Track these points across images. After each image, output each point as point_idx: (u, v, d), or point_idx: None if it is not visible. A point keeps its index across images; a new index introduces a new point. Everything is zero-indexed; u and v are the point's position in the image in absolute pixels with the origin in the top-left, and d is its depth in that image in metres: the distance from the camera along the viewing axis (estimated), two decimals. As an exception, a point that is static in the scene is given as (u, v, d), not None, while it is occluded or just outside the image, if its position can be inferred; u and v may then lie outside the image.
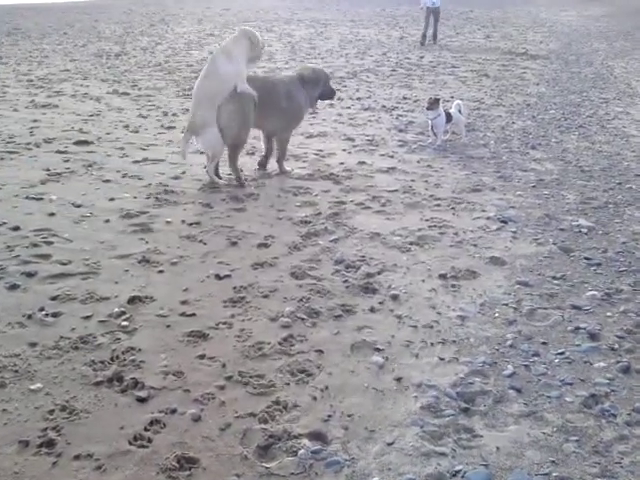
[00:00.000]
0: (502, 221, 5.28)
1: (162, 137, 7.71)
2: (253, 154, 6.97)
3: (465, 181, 6.33)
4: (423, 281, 4.22)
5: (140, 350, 3.33)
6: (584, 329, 3.66)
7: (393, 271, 4.35)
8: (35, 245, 4.53)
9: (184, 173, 6.29)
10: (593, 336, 3.60)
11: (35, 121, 8.25)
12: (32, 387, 3.00)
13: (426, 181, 6.30)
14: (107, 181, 5.98)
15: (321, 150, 7.18)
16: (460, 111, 7.93)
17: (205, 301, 3.87)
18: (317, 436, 2.78)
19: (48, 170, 6.19)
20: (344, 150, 7.38)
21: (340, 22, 24.77)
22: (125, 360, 3.24)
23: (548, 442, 2.80)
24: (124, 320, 3.59)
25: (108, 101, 9.73)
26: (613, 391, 3.14)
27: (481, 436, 2.82)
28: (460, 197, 5.85)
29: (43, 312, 3.64)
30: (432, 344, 3.49)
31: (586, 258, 4.61)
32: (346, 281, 4.17)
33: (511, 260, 4.57)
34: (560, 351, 3.44)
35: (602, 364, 3.34)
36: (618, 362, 3.36)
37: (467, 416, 2.94)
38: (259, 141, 6.67)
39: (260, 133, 6.52)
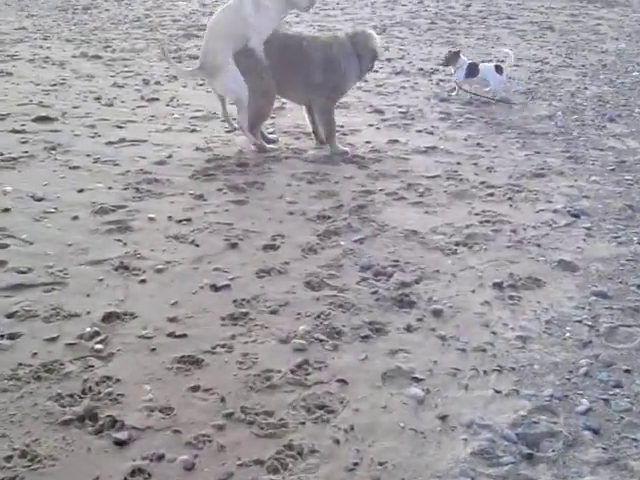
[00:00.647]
0: (573, 215, 5.26)
1: (142, 112, 7.76)
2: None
3: (525, 164, 6.30)
4: (473, 292, 4.21)
5: (118, 380, 3.34)
6: (679, 352, 3.64)
7: (435, 279, 4.34)
8: (-14, 249, 4.57)
9: (170, 157, 6.33)
10: (691, 361, 3.57)
11: (-16, 93, 8.34)
12: (-16, 427, 3.04)
13: (475, 164, 6.28)
14: (75, 167, 6.02)
15: (342, 126, 7.18)
16: (500, 68, 8.20)
17: (199, 318, 3.88)
18: (341, 489, 2.79)
19: (1, 154, 6.24)
20: (371, 125, 7.39)
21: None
22: (100, 393, 3.25)
23: (634, 497, 2.79)
24: (98, 342, 3.60)
25: (75, 67, 9.80)
26: None
27: (549, 489, 2.81)
28: (519, 184, 5.83)
29: (-3, 333, 3.67)
30: (485, 372, 3.48)
31: (681, 261, 4.59)
32: (375, 292, 4.17)
33: (585, 265, 4.54)
34: (649, 381, 3.43)
35: (703, 397, 3.32)
36: None
37: (530, 464, 2.93)
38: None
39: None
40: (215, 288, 4.18)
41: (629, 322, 3.91)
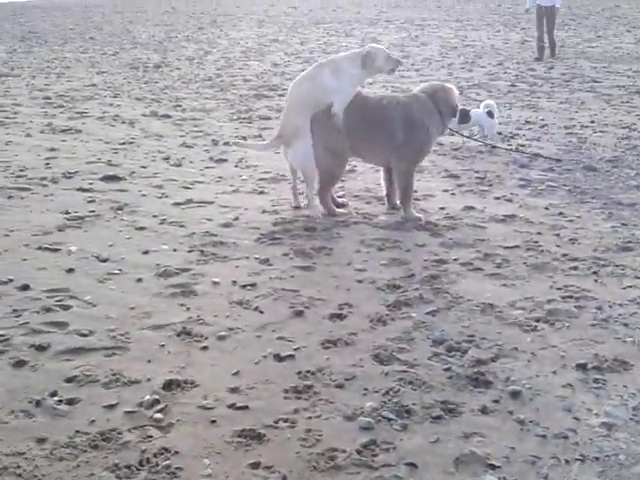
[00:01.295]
0: (663, 292, 5.13)
1: (210, 173, 7.97)
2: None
3: (611, 236, 6.20)
4: (554, 373, 4.12)
5: (177, 453, 3.36)
6: None
7: (513, 357, 4.27)
8: (48, 310, 4.70)
9: (237, 219, 6.46)
10: None
11: (52, 150, 8.71)
12: (39, 496, 3.09)
13: (557, 235, 6.22)
14: (141, 228, 6.20)
15: (415, 191, 7.20)
16: (491, 113, 8.81)
17: (261, 389, 3.89)
18: None
19: (67, 213, 6.49)
20: (446, 191, 7.41)
21: (442, 23, 25.16)
22: (157, 465, 3.28)
23: None
24: (157, 412, 3.65)
25: (144, 125, 10.18)
26: None
27: None
28: (605, 258, 5.74)
29: (55, 398, 3.74)
30: (567, 462, 3.38)
31: None
32: (448, 369, 4.12)
33: (677, 347, 4.41)
34: None
35: None
36: None
37: None
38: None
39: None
40: (279, 358, 4.20)
41: None
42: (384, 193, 6.87)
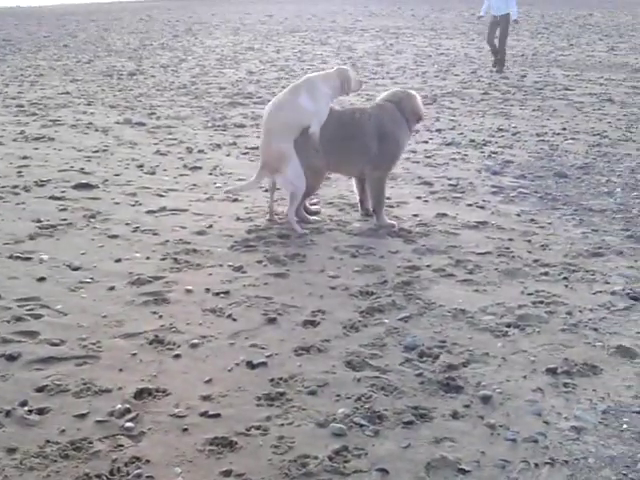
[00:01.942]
0: (633, 297, 5.18)
1: (184, 180, 7.95)
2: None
3: (582, 242, 6.26)
4: (525, 377, 4.15)
5: (148, 462, 3.35)
6: None
7: (484, 362, 4.30)
8: (19, 319, 4.66)
9: (211, 227, 6.44)
10: None
11: (24, 158, 8.64)
12: (8, 506, 3.07)
13: (529, 241, 6.27)
14: (113, 237, 6.17)
15: (389, 198, 7.24)
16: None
17: (233, 397, 3.89)
18: None
19: (39, 221, 6.44)
20: (419, 198, 7.44)
21: (416, 31, 25.31)
22: (128, 474, 3.26)
23: None
24: (129, 420, 3.64)
25: (118, 133, 10.13)
26: None
27: None
28: (575, 264, 5.79)
29: (26, 407, 3.72)
30: (537, 465, 3.41)
31: None
32: (420, 374, 4.14)
33: (645, 351, 4.46)
34: None
35: None
36: None
37: None
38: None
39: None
40: (251, 365, 4.20)
41: (694, 415, 3.82)
42: (357, 200, 6.90)
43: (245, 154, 9.11)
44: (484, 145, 9.76)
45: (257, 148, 9.05)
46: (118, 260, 5.67)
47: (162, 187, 7.63)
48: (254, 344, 4.45)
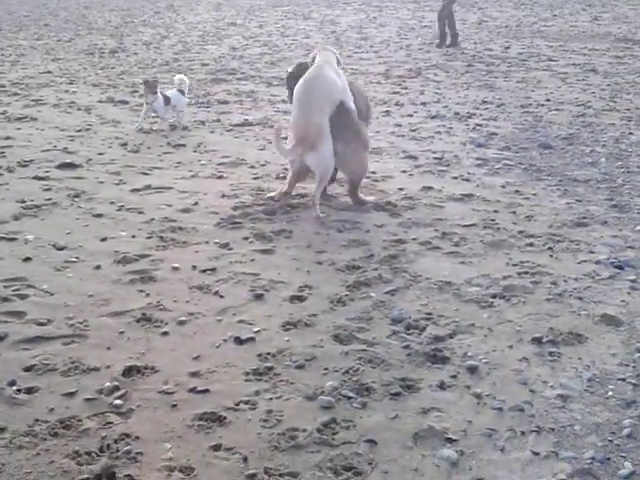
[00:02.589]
0: (617, 266, 5.22)
1: (168, 158, 7.92)
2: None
3: (566, 212, 6.29)
4: (511, 347, 4.18)
5: (137, 438, 3.37)
6: None
7: (470, 333, 4.33)
8: (5, 299, 4.65)
9: (196, 204, 6.43)
10: None
11: (7, 139, 8.57)
12: (-1, 485, 3.08)
13: (514, 212, 6.29)
14: (98, 215, 6.15)
15: (374, 172, 7.25)
16: (183, 91, 9.14)
17: (221, 373, 3.91)
18: None
19: (23, 202, 6.41)
20: (404, 172, 7.44)
21: (399, 4, 25.16)
22: (118, 451, 3.27)
23: None
24: (117, 398, 3.64)
25: (101, 112, 10.06)
26: None
27: None
28: (560, 234, 5.82)
29: (14, 387, 3.72)
30: (523, 433, 3.44)
31: None
32: (407, 347, 4.17)
33: (629, 319, 4.50)
34: (699, 444, 3.37)
35: None
36: None
37: (571, 533, 2.88)
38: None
39: None
40: (239, 341, 4.21)
41: (677, 381, 3.87)
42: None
43: (229, 131, 9.07)
44: (469, 118, 9.75)
45: (242, 125, 9.10)
46: (104, 239, 5.65)
47: (146, 165, 7.60)
48: (242, 320, 4.46)
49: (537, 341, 4.23)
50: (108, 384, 3.75)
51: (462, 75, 12.78)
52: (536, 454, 3.29)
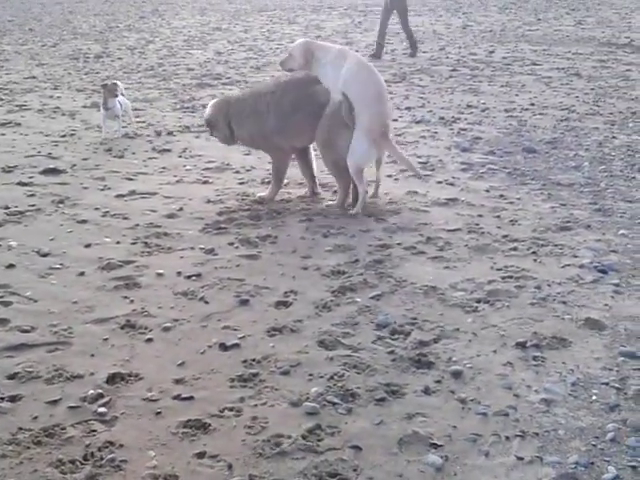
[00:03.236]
0: (600, 270, 5.24)
1: (153, 163, 7.90)
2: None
3: (550, 216, 6.31)
4: (495, 352, 4.19)
5: (122, 446, 3.36)
6: None
7: (454, 338, 4.34)
8: (-12, 306, 4.64)
9: (181, 210, 6.42)
10: None
11: (-9, 144, 8.53)
12: (-18, 495, 3.06)
13: (498, 216, 6.31)
14: (82, 222, 6.13)
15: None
16: (122, 93, 9.10)
17: (206, 379, 3.90)
18: None
19: (7, 208, 6.38)
20: (389, 176, 7.44)
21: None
22: (102, 459, 3.26)
23: None
24: (101, 406, 3.64)
25: (85, 117, 10.03)
26: None
27: None
28: (544, 238, 5.84)
29: (-3, 395, 3.71)
30: (507, 438, 3.45)
31: None
32: (392, 352, 4.17)
33: (613, 323, 4.51)
34: (682, 448, 3.38)
35: None
36: None
37: (555, 537, 2.89)
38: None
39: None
40: (224, 347, 4.21)
41: (660, 384, 3.89)
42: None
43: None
44: (453, 122, 9.77)
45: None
46: (88, 245, 5.63)
47: (131, 171, 7.58)
48: (227, 326, 4.46)
49: (521, 345, 4.24)
50: (92, 392, 3.74)
51: (446, 80, 12.81)
52: (520, 459, 3.30)
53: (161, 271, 5.19)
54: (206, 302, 4.78)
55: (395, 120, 9.79)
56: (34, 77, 13.19)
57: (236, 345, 4.23)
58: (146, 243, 5.69)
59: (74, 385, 3.81)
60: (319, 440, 3.42)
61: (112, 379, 3.87)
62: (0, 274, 5.10)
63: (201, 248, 5.62)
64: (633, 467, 3.26)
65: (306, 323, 4.51)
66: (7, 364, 3.99)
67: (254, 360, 4.08)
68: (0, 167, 7.56)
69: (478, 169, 7.67)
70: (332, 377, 3.91)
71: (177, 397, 3.72)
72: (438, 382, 3.89)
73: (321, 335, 4.35)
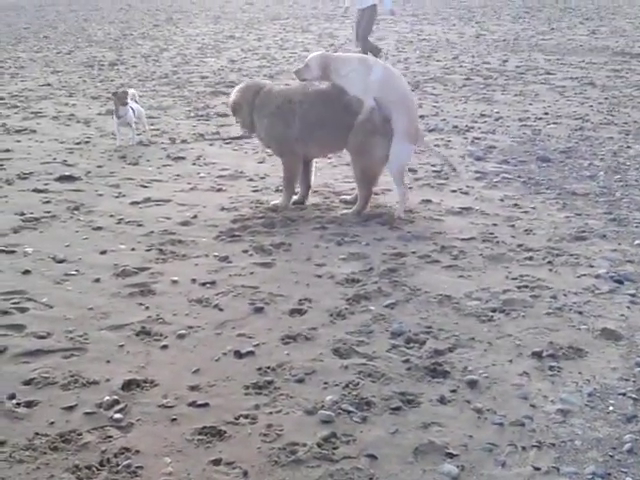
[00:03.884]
0: (616, 280, 5.22)
1: (168, 171, 7.93)
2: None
3: (565, 226, 6.30)
4: (510, 361, 4.18)
5: (137, 452, 3.36)
6: None
7: (470, 347, 4.33)
8: (5, 312, 4.66)
9: (195, 217, 6.44)
10: None
11: (7, 151, 8.60)
12: (-2, 500, 3.07)
13: (513, 226, 6.30)
14: (98, 228, 6.16)
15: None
16: (136, 101, 9.15)
17: (221, 387, 3.91)
18: None
19: (22, 214, 6.42)
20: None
21: (397, 17, 25.21)
22: (118, 465, 3.27)
23: None
24: (117, 412, 3.65)
25: (100, 124, 10.09)
26: None
27: None
28: (559, 247, 5.82)
29: (14, 401, 3.72)
30: (524, 448, 3.44)
31: None
32: (407, 361, 4.17)
33: (629, 333, 4.49)
34: (700, 459, 3.36)
35: None
36: None
37: None
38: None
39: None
40: (239, 355, 4.21)
41: (678, 395, 3.86)
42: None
43: (228, 143, 9.09)
44: (467, 131, 9.77)
45: (240, 137, 9.11)
46: (103, 252, 5.66)
47: (145, 178, 7.61)
48: (241, 333, 4.46)
49: (537, 355, 4.23)
50: (108, 398, 3.75)
51: (460, 88, 12.81)
52: (537, 469, 3.29)
53: (176, 278, 5.20)
54: (220, 309, 4.79)
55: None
56: (49, 84, 13.28)
57: (251, 352, 4.23)
58: (161, 250, 5.71)
59: (90, 391, 3.83)
60: (334, 448, 3.41)
61: (128, 385, 3.87)
62: (16, 280, 5.12)
63: (215, 255, 5.63)
64: (651, 478, 3.25)
65: (321, 331, 4.51)
66: (23, 370, 4.01)
67: (269, 368, 4.08)
68: (16, 174, 7.61)
69: (492, 178, 7.66)
70: (347, 385, 3.91)
71: (192, 404, 3.73)
72: (454, 391, 3.88)
73: (336, 343, 4.35)
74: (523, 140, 9.28)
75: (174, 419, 3.61)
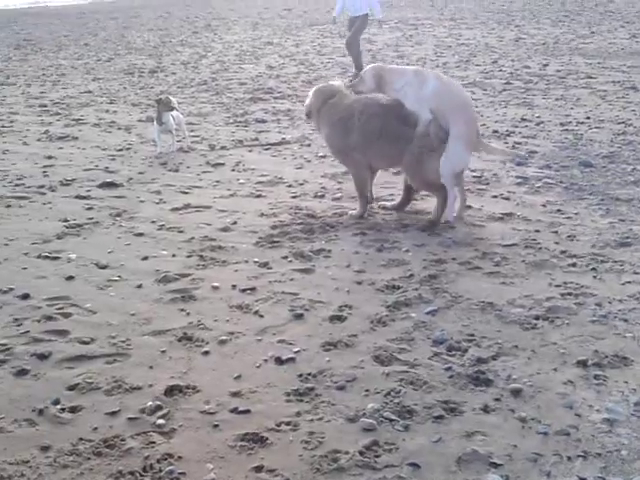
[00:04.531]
0: (662, 287, 5.14)
1: (207, 177, 7.99)
2: (323, 196, 7.09)
3: (609, 232, 6.21)
4: (555, 370, 4.13)
5: (180, 458, 3.39)
6: None
7: (513, 355, 4.28)
8: (49, 318, 4.73)
9: (235, 223, 6.47)
10: None
11: (49, 158, 8.75)
12: (43, 504, 3.10)
13: (556, 232, 6.22)
14: (139, 234, 6.23)
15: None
16: (176, 108, 9.08)
17: (262, 393, 3.92)
18: None
19: (66, 221, 6.52)
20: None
21: (436, 22, 25.20)
22: (161, 471, 3.30)
23: None
24: (160, 417, 3.68)
25: (140, 131, 10.20)
26: None
27: None
28: (603, 254, 5.74)
29: (58, 406, 3.78)
30: (569, 458, 3.39)
31: None
32: (449, 368, 4.14)
33: (676, 341, 4.43)
34: None
35: None
36: None
37: None
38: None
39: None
40: (280, 361, 4.22)
41: None
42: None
43: (267, 149, 9.12)
44: (507, 136, 9.68)
45: (279, 143, 9.15)
46: (145, 258, 5.71)
47: (186, 184, 7.68)
48: (282, 340, 4.47)
49: (582, 364, 4.17)
50: (150, 403, 3.78)
51: (500, 93, 12.72)
52: (583, 479, 3.25)
53: (216, 284, 5.23)
54: (261, 316, 4.80)
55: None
56: (90, 91, 13.47)
57: (291, 359, 4.24)
58: (201, 256, 5.75)
59: (133, 396, 3.86)
60: (377, 457, 3.40)
61: (170, 391, 3.91)
62: (60, 286, 5.20)
63: (255, 262, 5.65)
64: (701, 491, 3.18)
65: (361, 338, 4.50)
66: (67, 375, 4.06)
67: (310, 374, 4.08)
68: (58, 180, 7.73)
69: (534, 183, 7.58)
70: (388, 393, 3.89)
71: (234, 410, 3.75)
72: (497, 400, 3.84)
73: (376, 350, 4.33)
74: (565, 145, 9.16)
75: (216, 425, 3.63)
